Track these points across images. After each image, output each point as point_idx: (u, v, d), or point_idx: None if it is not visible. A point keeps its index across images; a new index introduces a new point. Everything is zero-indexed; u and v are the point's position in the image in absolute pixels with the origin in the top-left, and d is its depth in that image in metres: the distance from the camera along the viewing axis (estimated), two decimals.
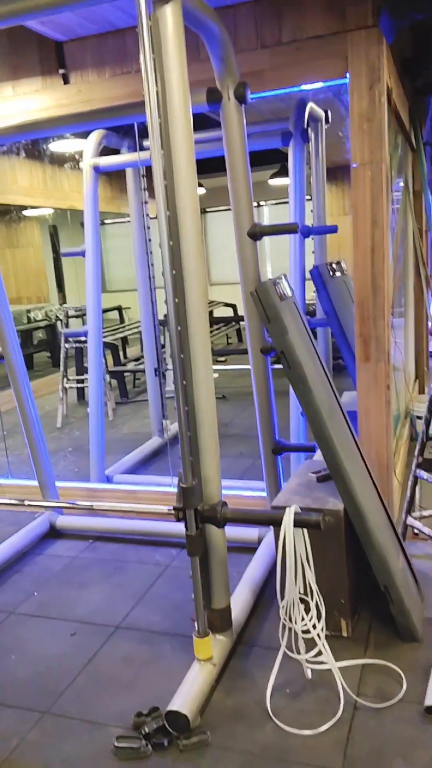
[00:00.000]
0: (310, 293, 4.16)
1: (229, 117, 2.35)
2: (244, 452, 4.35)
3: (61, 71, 2.96)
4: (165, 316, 1.95)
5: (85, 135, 3.72)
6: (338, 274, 3.49)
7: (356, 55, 2.56)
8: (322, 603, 2.07)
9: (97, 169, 3.61)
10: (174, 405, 1.97)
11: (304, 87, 2.75)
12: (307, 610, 2.07)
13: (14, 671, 2.33)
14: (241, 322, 8.64)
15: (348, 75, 2.59)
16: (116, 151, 3.87)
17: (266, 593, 2.66)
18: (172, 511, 2.01)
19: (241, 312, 7.90)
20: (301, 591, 2.03)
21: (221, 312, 9.59)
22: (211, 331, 8.27)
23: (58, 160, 6.79)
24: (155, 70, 1.75)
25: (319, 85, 2.72)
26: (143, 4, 1.64)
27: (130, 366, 6.83)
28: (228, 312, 9.28)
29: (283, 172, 6.73)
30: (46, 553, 3.25)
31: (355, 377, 2.95)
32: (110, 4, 2.61)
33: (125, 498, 3.47)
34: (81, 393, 6.32)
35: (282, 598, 2.05)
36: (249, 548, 2.95)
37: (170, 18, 1.74)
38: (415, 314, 4.95)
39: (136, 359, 7.06)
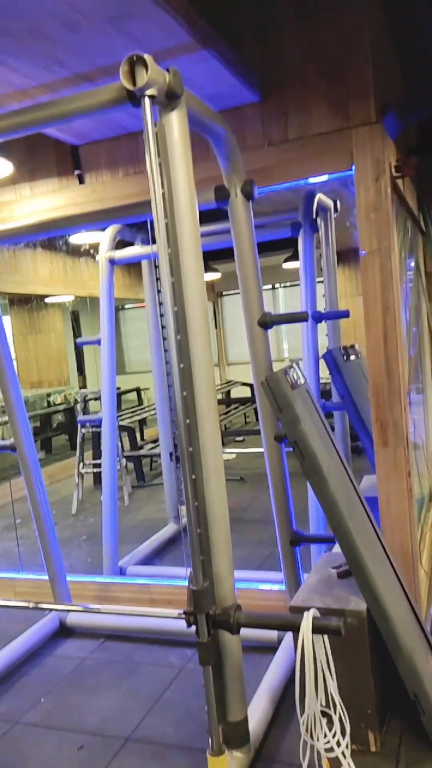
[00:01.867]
0: (326, 373, 4.15)
1: (237, 213, 2.40)
2: (263, 539, 4.20)
3: (76, 172, 3.09)
4: (172, 409, 1.92)
5: (102, 227, 3.85)
6: (353, 357, 3.47)
7: (361, 149, 2.63)
8: (346, 717, 1.91)
9: (112, 262, 3.70)
10: None
11: (311, 180, 2.82)
12: (330, 724, 1.91)
13: None
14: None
15: (354, 168, 2.65)
16: (131, 243, 3.99)
17: (287, 700, 2.48)
18: (183, 616, 1.90)
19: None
20: (323, 703, 1.88)
21: (238, 392, 9.61)
22: (228, 412, 8.31)
23: (77, 252, 7.04)
24: (161, 173, 1.80)
25: (325, 178, 2.79)
26: (149, 113, 1.70)
27: (148, 448, 6.78)
28: (245, 392, 9.28)
29: (296, 256, 6.87)
30: (55, 653, 3.10)
31: (374, 461, 2.87)
32: (121, 111, 2.74)
33: (138, 592, 3.33)
34: (98, 477, 6.25)
35: (302, 712, 1.90)
36: (268, 648, 2.78)
37: (176, 124, 1.80)
38: None
39: (154, 441, 7.02)
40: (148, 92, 1.68)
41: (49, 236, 5.58)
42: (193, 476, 1.91)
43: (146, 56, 1.65)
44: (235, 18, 2.70)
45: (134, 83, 1.68)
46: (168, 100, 1.75)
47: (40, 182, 3.17)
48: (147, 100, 1.69)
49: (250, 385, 9.20)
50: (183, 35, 2.12)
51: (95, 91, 1.80)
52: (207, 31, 2.24)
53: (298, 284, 3.43)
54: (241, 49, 2.66)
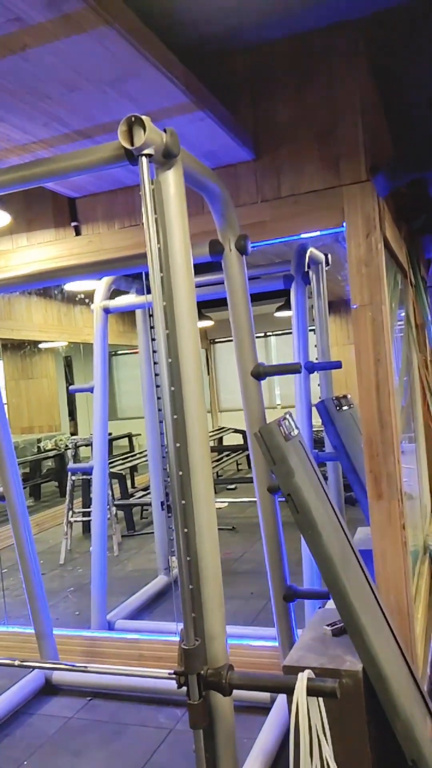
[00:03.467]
0: (318, 422, 4.15)
1: (231, 267, 2.44)
2: (255, 592, 4.11)
3: (73, 224, 3.14)
4: (164, 457, 1.90)
5: (97, 277, 3.89)
6: (345, 407, 3.48)
7: (352, 207, 2.70)
8: None
9: (107, 311, 3.73)
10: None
11: (303, 236, 2.88)
12: None
13: None
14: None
15: (345, 224, 2.72)
16: (126, 292, 4.03)
17: (281, 763, 2.38)
18: (173, 676, 1.84)
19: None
20: None
21: (230, 439, 9.57)
22: (220, 459, 8.25)
23: (72, 299, 7.11)
24: (157, 228, 1.83)
25: (317, 233, 2.85)
26: (146, 172, 1.74)
27: (139, 495, 6.69)
28: (238, 439, 9.25)
29: (288, 305, 6.97)
30: (40, 712, 2.98)
31: (367, 512, 2.83)
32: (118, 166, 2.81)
33: (127, 648, 3.24)
34: (87, 525, 6.15)
35: None
36: (261, 708, 2.69)
37: (172, 181, 1.84)
38: (427, 443, 4.88)
39: (145, 489, 6.94)
40: (146, 151, 1.72)
41: (45, 286, 5.65)
42: (185, 530, 1.88)
43: (144, 117, 1.70)
44: (230, 81, 2.80)
45: (132, 143, 1.72)
46: (165, 158, 1.80)
47: (37, 233, 3.22)
48: (144, 159, 1.73)
49: (243, 432, 9.18)
50: (180, 96, 2.19)
51: (94, 149, 1.84)
52: (203, 93, 2.32)
53: (290, 332, 3.46)
54: (236, 110, 2.76)
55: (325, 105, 2.74)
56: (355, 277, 2.71)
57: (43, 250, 3.19)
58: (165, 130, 1.78)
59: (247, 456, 8.79)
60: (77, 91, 2.09)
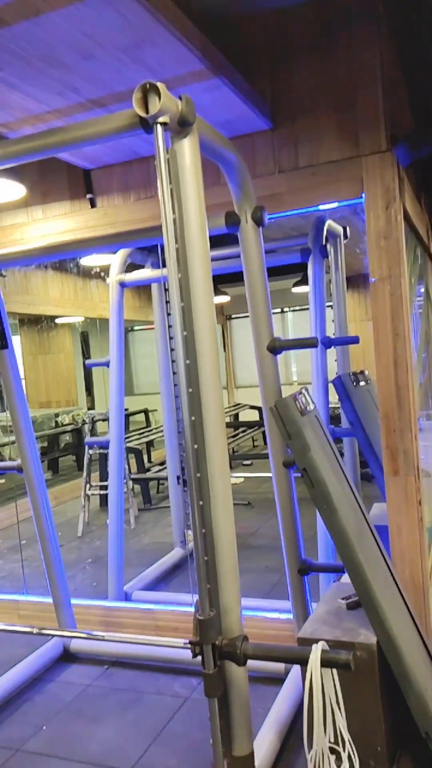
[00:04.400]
0: (335, 398, 4.12)
1: (247, 239, 2.40)
2: (270, 566, 4.14)
3: (88, 196, 3.11)
4: (180, 431, 1.90)
5: (113, 250, 3.87)
6: (362, 383, 3.45)
7: (371, 177, 2.64)
8: (356, 755, 1.85)
9: (122, 285, 3.71)
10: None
11: (321, 207, 2.83)
12: (339, 761, 1.85)
13: None
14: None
15: (364, 196, 2.66)
16: (142, 266, 4.00)
17: (295, 734, 2.42)
18: (189, 645, 1.86)
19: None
20: (332, 739, 1.82)
21: (246, 415, 9.58)
22: (236, 435, 8.26)
23: (87, 273, 7.09)
24: (173, 198, 1.80)
25: (335, 205, 2.80)
26: (161, 140, 1.71)
27: (156, 470, 6.74)
28: (254, 415, 9.25)
29: (305, 280, 6.88)
30: (58, 679, 3.05)
31: (383, 488, 2.82)
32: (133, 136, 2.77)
33: (143, 618, 3.28)
34: (104, 499, 6.22)
35: (310, 747, 1.84)
36: (275, 679, 2.72)
37: (187, 151, 1.81)
38: None
39: (161, 463, 6.99)
40: (161, 119, 1.69)
41: (60, 258, 5.63)
42: (201, 502, 1.89)
43: (159, 84, 1.66)
44: (247, 48, 2.73)
45: (147, 110, 1.69)
46: (180, 127, 1.76)
47: (52, 205, 3.20)
48: (159, 127, 1.70)
49: (259, 408, 9.18)
50: (196, 63, 2.14)
51: (108, 117, 1.81)
52: (219, 60, 2.27)
53: (307, 308, 3.42)
54: (253, 79, 2.69)
55: (345, 73, 2.67)
56: (374, 250, 2.66)
57: (59, 223, 3.18)
58: (180, 98, 1.75)
59: (263, 432, 8.80)
60: (92, 58, 2.05)
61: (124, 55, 2.06)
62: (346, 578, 3.43)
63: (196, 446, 1.88)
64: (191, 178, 1.81)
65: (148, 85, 1.67)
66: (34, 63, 2.03)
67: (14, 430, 2.99)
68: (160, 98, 1.67)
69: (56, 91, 2.22)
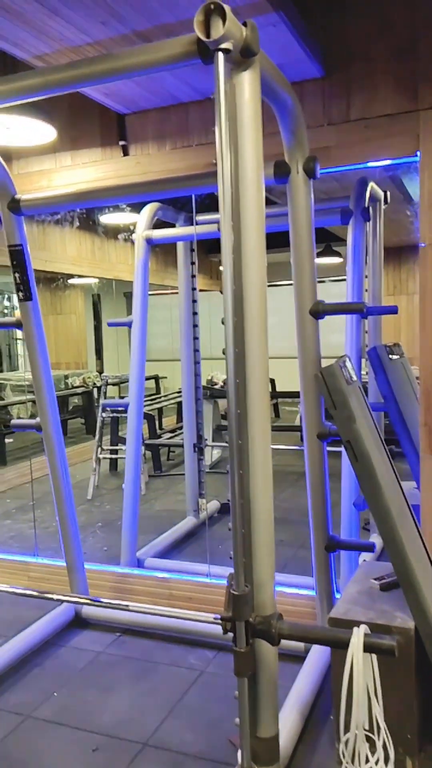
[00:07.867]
0: (364, 372, 3.97)
1: (297, 191, 2.23)
2: (284, 540, 4.04)
3: (121, 143, 2.93)
4: (212, 387, 1.76)
5: (136, 208, 3.69)
6: (396, 356, 3.30)
7: (429, 134, 2.46)
8: (391, 743, 1.76)
9: (149, 242, 3.55)
10: (211, 483, 1.75)
11: (370, 164, 2.65)
12: (372, 748, 1.76)
13: None
14: (279, 399, 8.43)
15: (419, 154, 2.48)
16: (166, 225, 3.82)
17: (315, 715, 2.33)
18: (218, 621, 1.76)
19: (279, 387, 7.71)
20: (366, 726, 1.73)
21: None
22: None
23: (107, 232, 6.88)
24: (229, 138, 1.64)
25: (387, 162, 2.62)
26: (221, 70, 1.54)
27: (166, 437, 6.64)
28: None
29: (327, 252, 6.69)
30: (69, 645, 2.97)
31: (414, 467, 2.70)
32: (174, 78, 2.58)
33: (157, 587, 3.19)
34: (113, 464, 6.13)
35: (343, 733, 1.75)
36: (295, 657, 2.63)
37: (248, 85, 1.64)
38: None
39: (172, 431, 6.88)
40: (223, 45, 1.51)
41: (89, 206, 5.39)
42: (241, 471, 1.76)
43: (225, 6, 1.49)
44: None
45: (208, 35, 1.52)
46: (243, 57, 1.59)
47: (82, 152, 3.02)
48: (221, 55, 1.53)
49: (272, 380, 9.03)
50: None
51: (162, 44, 1.64)
52: None
53: (329, 281, 3.26)
54: (306, 22, 2.49)
55: (405, 18, 2.48)
56: (426, 213, 2.49)
57: (88, 171, 3.00)
58: (246, 24, 1.57)
59: (276, 404, 8.66)
60: None
61: None
62: (369, 556, 3.33)
63: (239, 411, 1.75)
64: (250, 115, 1.65)
65: (212, 6, 1.49)
66: None
67: (34, 387, 2.86)
68: (224, 22, 1.49)
69: (100, 18, 2.04)
